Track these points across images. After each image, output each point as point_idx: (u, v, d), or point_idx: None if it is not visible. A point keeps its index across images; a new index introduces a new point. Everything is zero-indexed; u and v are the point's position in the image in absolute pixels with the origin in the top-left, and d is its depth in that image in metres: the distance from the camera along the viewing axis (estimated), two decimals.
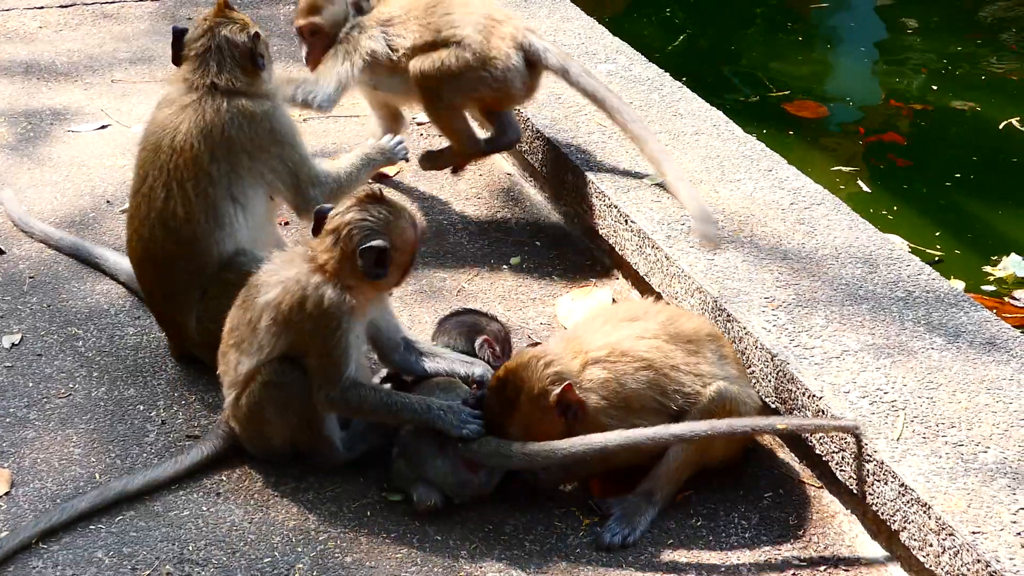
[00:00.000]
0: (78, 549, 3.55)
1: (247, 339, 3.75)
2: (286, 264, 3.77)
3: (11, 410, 4.09)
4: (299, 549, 3.57)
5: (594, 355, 3.68)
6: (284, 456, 3.85)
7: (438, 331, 4.15)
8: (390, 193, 5.32)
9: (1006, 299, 5.17)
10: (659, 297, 4.45)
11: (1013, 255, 5.41)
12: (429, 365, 3.92)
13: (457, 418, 3.67)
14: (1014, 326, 4.01)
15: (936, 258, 5.33)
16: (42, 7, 7.02)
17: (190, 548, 3.57)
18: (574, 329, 3.96)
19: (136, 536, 3.60)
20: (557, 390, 3.57)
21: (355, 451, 3.88)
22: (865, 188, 5.98)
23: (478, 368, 3.92)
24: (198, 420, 4.06)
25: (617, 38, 6.12)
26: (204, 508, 3.71)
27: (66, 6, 7.03)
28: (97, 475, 3.82)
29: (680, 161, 4.96)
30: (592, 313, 4.09)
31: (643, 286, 4.62)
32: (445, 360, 3.93)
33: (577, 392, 3.59)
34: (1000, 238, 5.66)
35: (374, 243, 3.66)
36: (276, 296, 3.70)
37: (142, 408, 4.12)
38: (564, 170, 5.07)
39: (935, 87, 7.12)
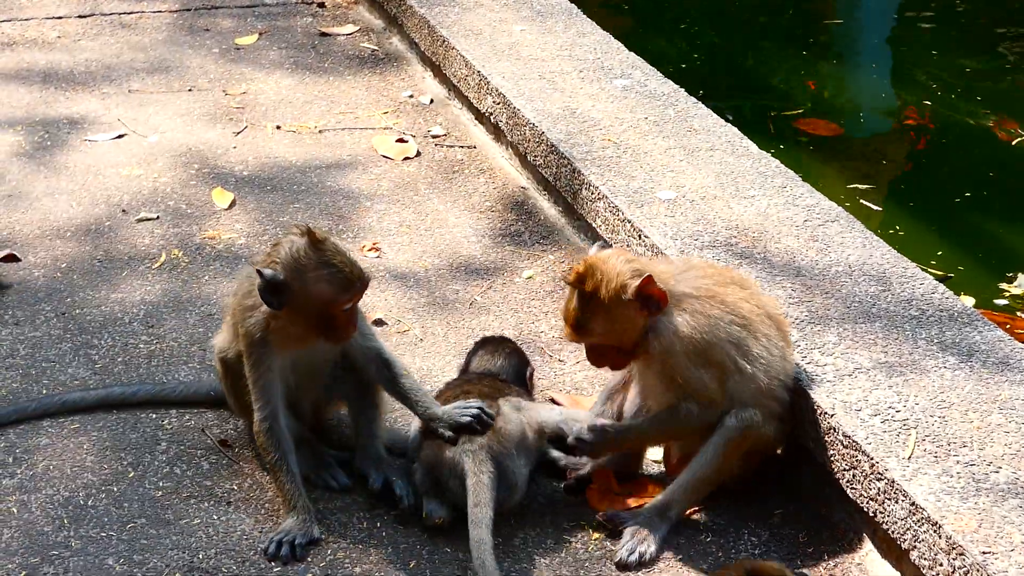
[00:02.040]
0: (89, 556, 3.56)
1: (225, 325, 3.91)
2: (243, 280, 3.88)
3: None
4: (309, 560, 3.57)
5: (685, 290, 3.68)
6: None
7: (483, 351, 4.12)
8: (403, 196, 5.35)
9: (1018, 314, 5.16)
10: None
11: None
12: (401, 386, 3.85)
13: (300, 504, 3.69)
14: None
15: (946, 275, 5.34)
16: (61, 17, 7.05)
17: (200, 556, 3.58)
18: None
19: (147, 544, 3.61)
20: (637, 281, 3.57)
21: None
22: (878, 207, 5.99)
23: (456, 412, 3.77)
24: (210, 429, 4.07)
25: (632, 53, 6.13)
26: (215, 517, 3.72)
27: (85, 16, 7.07)
28: (109, 482, 3.84)
29: (694, 176, 4.97)
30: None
31: None
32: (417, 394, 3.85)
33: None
34: (1013, 255, 5.66)
35: (265, 272, 3.60)
36: (233, 295, 3.84)
37: (155, 416, 4.13)
38: (578, 184, 5.08)
39: (950, 104, 7.12)
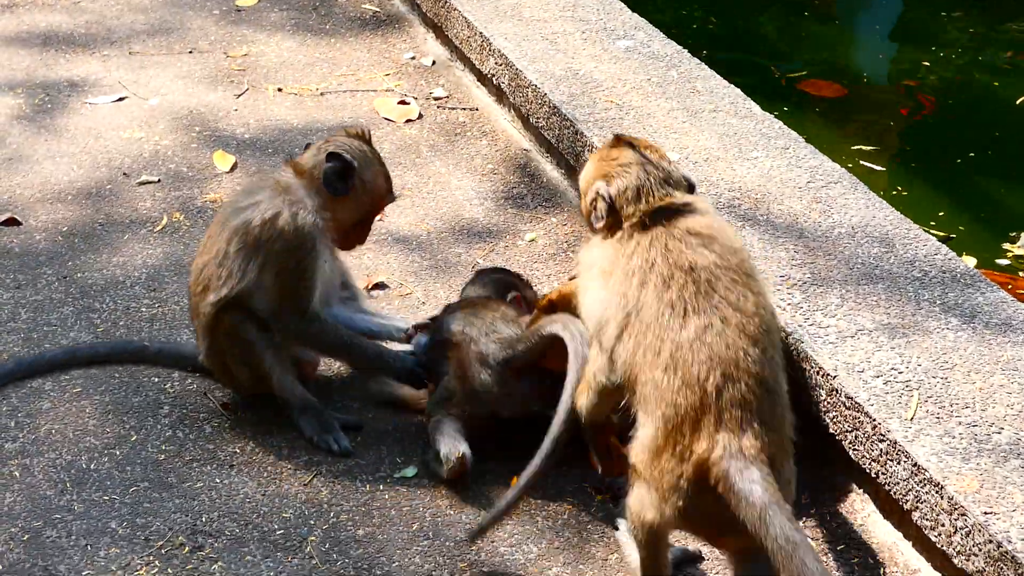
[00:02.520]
0: (92, 519, 3.57)
1: (215, 274, 3.81)
2: (258, 187, 3.86)
3: (27, 381, 4.11)
4: (311, 522, 3.58)
5: None
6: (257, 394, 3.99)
7: (471, 282, 4.19)
8: (405, 159, 5.34)
9: (1020, 274, 5.15)
10: None
11: None
12: (360, 320, 4.06)
13: (403, 364, 3.87)
14: None
15: (948, 236, 5.33)
16: None
17: (203, 519, 3.58)
18: None
19: (150, 507, 3.62)
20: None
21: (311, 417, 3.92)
22: (881, 168, 5.97)
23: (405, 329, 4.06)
24: (213, 393, 4.07)
25: (635, 14, 6.10)
26: (217, 480, 3.73)
27: None
28: (112, 446, 3.84)
29: (697, 138, 4.95)
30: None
31: None
32: (379, 319, 4.10)
33: None
34: (1015, 215, 5.65)
35: (344, 154, 3.83)
36: (247, 217, 3.78)
37: (157, 380, 4.13)
38: (581, 146, 5.06)
39: (953, 67, 7.08)
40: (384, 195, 4.00)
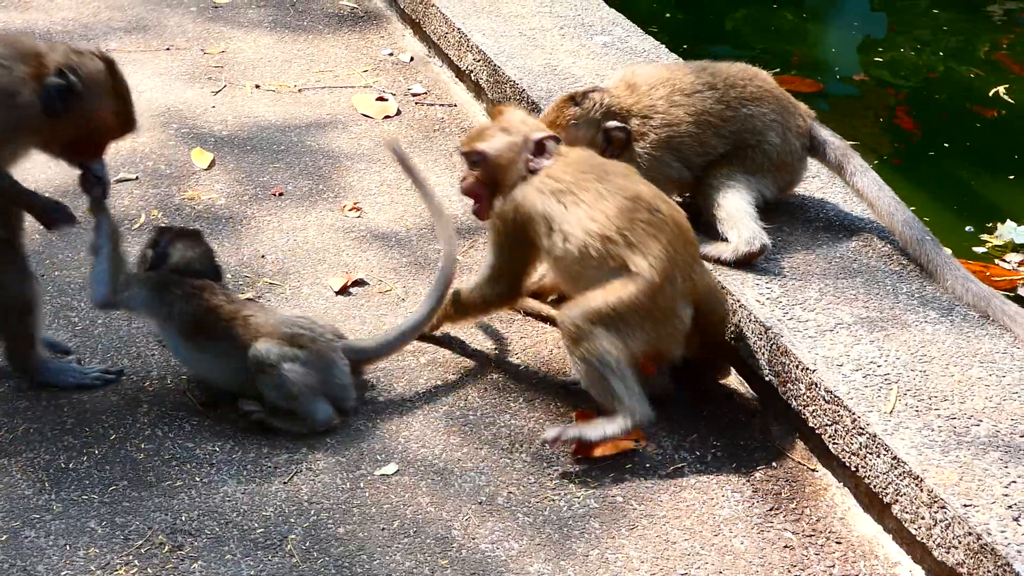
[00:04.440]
0: (71, 519, 3.55)
1: None
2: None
3: (4, 379, 4.09)
4: (292, 520, 3.57)
5: None
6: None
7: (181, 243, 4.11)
8: (384, 156, 5.32)
9: (996, 261, 5.18)
10: None
11: (1009, 222, 5.41)
12: None
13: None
14: (1003, 289, 4.01)
15: None
16: None
17: (183, 518, 3.57)
18: None
19: (129, 506, 3.60)
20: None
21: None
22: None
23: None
24: (192, 391, 4.06)
25: (613, 10, 6.10)
26: (197, 479, 3.72)
27: None
28: (91, 445, 3.82)
29: None
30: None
31: None
32: None
33: None
34: (990, 205, 5.67)
35: (71, 75, 3.68)
36: None
37: (136, 379, 4.11)
38: None
39: (927, 57, 7.11)
40: (110, 120, 3.84)
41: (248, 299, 4.18)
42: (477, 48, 5.71)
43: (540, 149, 3.95)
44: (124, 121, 3.87)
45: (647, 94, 4.34)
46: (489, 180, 4.02)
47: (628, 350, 3.73)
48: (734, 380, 4.14)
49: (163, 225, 4.43)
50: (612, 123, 4.28)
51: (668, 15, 7.66)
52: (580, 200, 3.81)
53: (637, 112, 4.31)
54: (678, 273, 3.75)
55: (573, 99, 4.32)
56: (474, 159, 4.03)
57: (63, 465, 3.75)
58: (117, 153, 5.38)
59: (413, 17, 6.38)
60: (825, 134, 4.42)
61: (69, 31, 6.47)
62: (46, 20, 6.57)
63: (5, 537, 3.49)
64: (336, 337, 3.99)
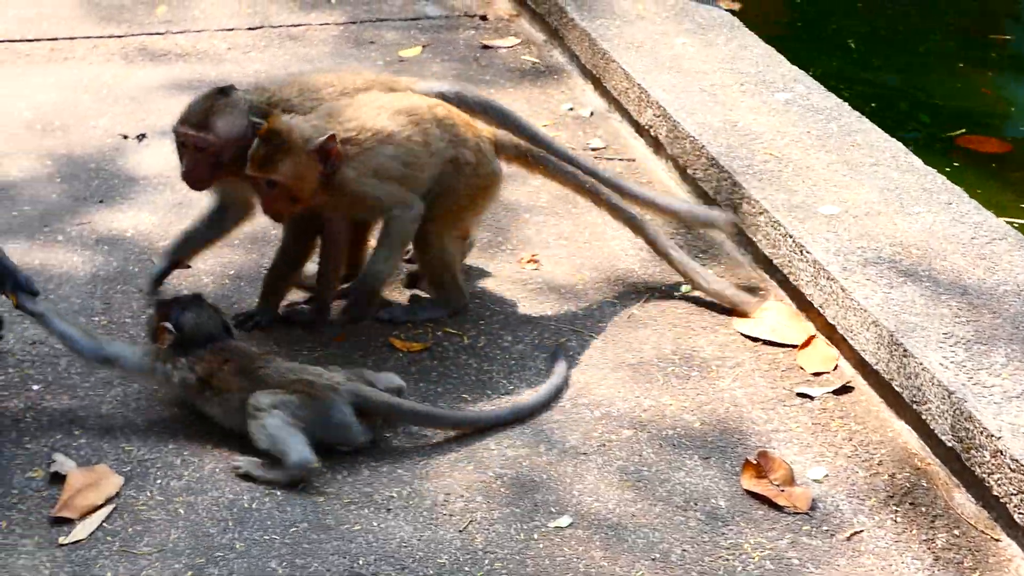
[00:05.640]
0: (252, 558, 3.64)
1: None
2: None
3: (198, 422, 4.21)
4: (466, 569, 3.61)
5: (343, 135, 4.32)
6: None
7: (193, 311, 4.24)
8: (562, 209, 5.37)
9: None
10: (832, 329, 4.42)
11: None
12: None
13: None
14: None
15: None
16: (232, 29, 7.23)
17: (360, 562, 3.63)
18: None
19: (308, 548, 3.68)
20: (322, 138, 4.19)
21: None
22: None
23: None
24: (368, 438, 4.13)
25: (795, 67, 6.08)
26: (374, 523, 3.78)
27: (254, 28, 7.24)
28: (273, 486, 3.91)
29: (857, 192, 4.90)
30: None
31: (816, 317, 4.57)
32: None
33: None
34: None
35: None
36: None
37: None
38: (738, 198, 5.05)
39: None
40: None
41: (266, 354, 4.26)
42: (657, 103, 5.74)
43: None
44: None
45: None
46: None
47: None
48: (915, 444, 4.06)
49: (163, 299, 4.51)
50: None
51: (856, 75, 7.58)
52: None
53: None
54: None
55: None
56: None
57: (246, 505, 3.85)
58: None
59: (594, 72, 6.44)
60: None
61: (261, 83, 6.67)
62: (239, 72, 6.79)
63: (190, 574, 3.59)
64: (349, 380, 4.08)
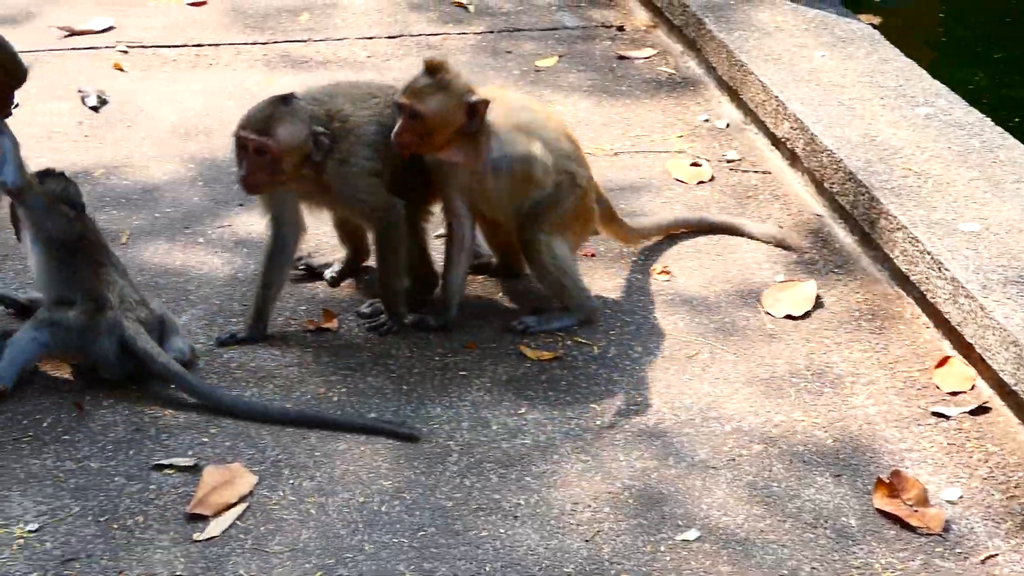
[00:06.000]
0: (381, 561, 3.69)
1: None
2: None
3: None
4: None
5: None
6: None
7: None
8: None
9: None
10: (970, 349, 4.34)
11: None
12: None
13: None
14: None
15: None
16: (372, 37, 7.32)
17: (487, 568, 3.66)
18: None
19: (436, 552, 3.72)
20: (477, 98, 4.47)
21: None
22: None
23: None
24: (499, 443, 4.15)
25: (936, 81, 5.98)
26: (501, 530, 3.80)
27: (393, 37, 7.31)
28: (403, 490, 3.95)
29: (999, 209, 4.81)
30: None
31: (954, 336, 4.49)
32: None
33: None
34: None
35: None
36: None
37: (448, 428, 4.24)
38: (876, 213, 4.98)
39: None
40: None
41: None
42: (794, 116, 5.69)
43: None
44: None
45: None
46: None
47: None
48: None
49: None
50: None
51: (1002, 91, 7.43)
52: None
53: None
54: None
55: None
56: None
57: (376, 508, 3.90)
58: None
59: (730, 84, 6.41)
60: None
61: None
62: (378, 79, 6.87)
63: (320, 574, 3.65)
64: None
